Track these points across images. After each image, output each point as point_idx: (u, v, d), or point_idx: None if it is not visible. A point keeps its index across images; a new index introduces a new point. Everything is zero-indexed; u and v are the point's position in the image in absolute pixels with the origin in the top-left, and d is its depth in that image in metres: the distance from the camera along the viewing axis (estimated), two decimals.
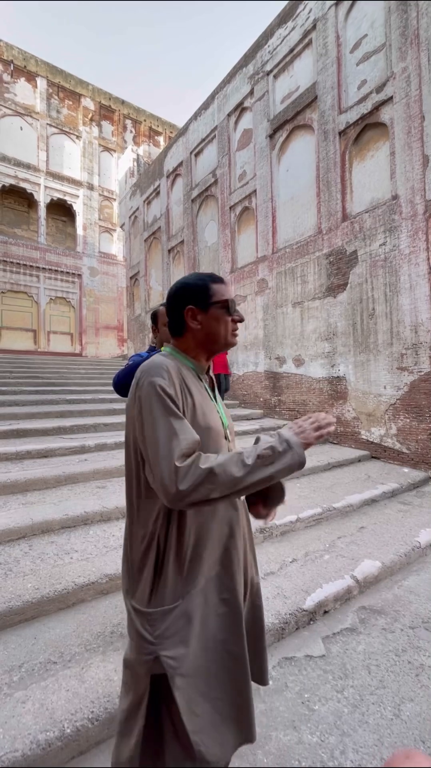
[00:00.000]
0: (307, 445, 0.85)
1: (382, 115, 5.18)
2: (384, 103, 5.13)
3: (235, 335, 1.03)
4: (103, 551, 2.39)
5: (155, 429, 0.83)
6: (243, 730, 0.95)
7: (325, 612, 2.16)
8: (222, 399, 6.30)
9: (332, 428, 0.89)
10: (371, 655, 1.85)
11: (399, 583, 2.49)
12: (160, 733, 0.88)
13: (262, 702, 1.57)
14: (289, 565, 2.51)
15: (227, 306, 1.00)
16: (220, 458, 0.82)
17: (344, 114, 5.68)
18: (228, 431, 1.05)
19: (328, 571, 2.43)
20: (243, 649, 0.94)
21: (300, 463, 0.83)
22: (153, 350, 2.00)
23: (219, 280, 1.02)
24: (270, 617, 1.96)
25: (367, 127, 5.42)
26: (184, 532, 0.90)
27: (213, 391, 1.07)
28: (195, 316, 0.99)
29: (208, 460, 0.81)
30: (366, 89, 5.41)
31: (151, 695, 0.87)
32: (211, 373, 1.10)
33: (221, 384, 6.33)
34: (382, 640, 1.96)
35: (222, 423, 1.03)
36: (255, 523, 2.85)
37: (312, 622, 2.08)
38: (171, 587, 0.88)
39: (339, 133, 5.75)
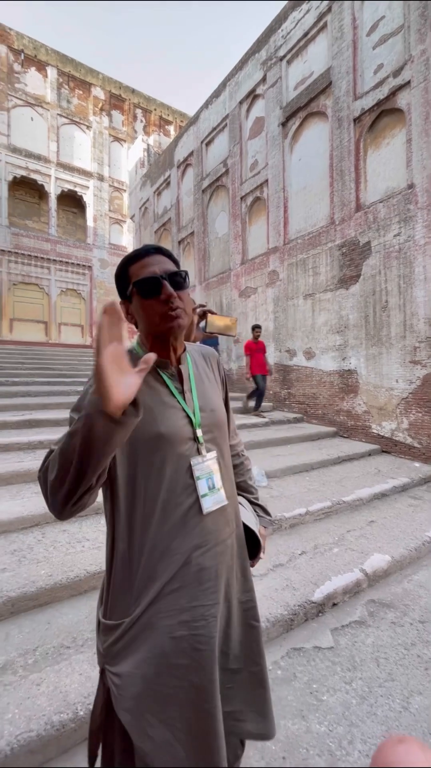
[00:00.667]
0: (98, 384, 0.60)
1: (399, 101, 5.03)
2: (401, 87, 4.98)
3: (171, 316, 0.83)
4: None
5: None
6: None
7: (334, 604, 2.16)
8: (260, 404, 6.23)
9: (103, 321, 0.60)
10: (380, 648, 1.86)
11: (409, 578, 2.48)
12: (112, 744, 0.82)
13: (271, 691, 1.58)
14: (298, 558, 2.51)
15: (140, 288, 0.83)
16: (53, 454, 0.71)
17: (359, 100, 5.53)
18: (200, 430, 0.88)
19: (337, 564, 2.43)
20: (206, 679, 0.79)
21: (97, 413, 0.61)
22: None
23: (139, 256, 0.85)
24: (278, 608, 1.97)
25: (383, 114, 5.28)
26: (133, 544, 0.81)
27: (182, 383, 0.91)
28: (127, 311, 0.88)
29: (44, 464, 0.73)
30: (383, 74, 5.25)
31: (107, 701, 0.81)
32: (184, 364, 0.94)
33: (259, 386, 6.24)
34: (391, 633, 1.96)
35: (192, 422, 0.87)
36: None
37: (320, 614, 2.09)
38: (120, 601, 0.81)
39: (354, 120, 5.61)
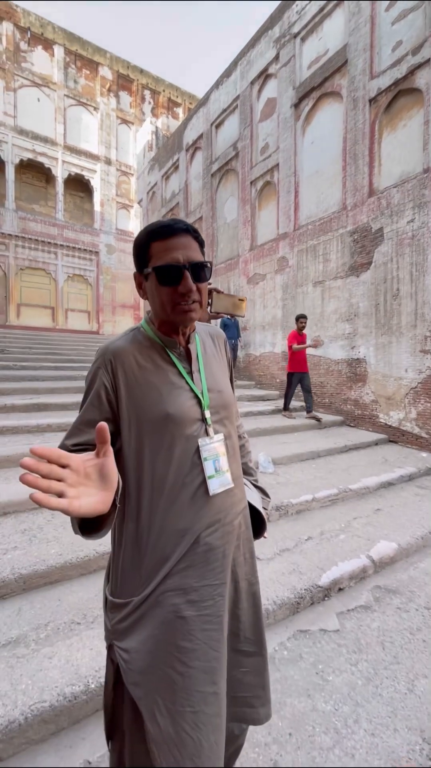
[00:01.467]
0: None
1: (417, 80, 4.85)
2: (420, 66, 4.80)
3: (184, 310, 0.81)
4: None
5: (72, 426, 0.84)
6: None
7: (340, 589, 2.18)
8: (310, 407, 5.72)
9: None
10: (385, 632, 1.87)
11: (415, 565, 2.49)
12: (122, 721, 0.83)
13: (277, 670, 1.61)
14: (305, 543, 2.53)
15: (160, 275, 0.79)
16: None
17: (376, 79, 5.34)
18: (208, 412, 0.87)
19: (344, 550, 2.44)
20: (214, 659, 0.80)
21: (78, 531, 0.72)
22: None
23: (164, 233, 0.79)
24: (285, 591, 1.99)
25: (400, 94, 5.10)
26: (141, 525, 0.81)
27: (190, 364, 0.90)
28: (140, 284, 0.86)
29: None
30: (401, 51, 5.06)
31: (116, 677, 0.83)
32: (192, 344, 0.92)
33: (305, 383, 5.70)
34: (397, 618, 1.98)
35: (200, 403, 0.86)
36: (272, 502, 2.89)
37: (326, 599, 2.11)
38: (128, 580, 0.82)
39: (370, 101, 5.43)
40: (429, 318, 4.68)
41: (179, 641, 0.78)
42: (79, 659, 1.47)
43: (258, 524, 1.06)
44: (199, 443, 0.84)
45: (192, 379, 0.88)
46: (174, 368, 0.87)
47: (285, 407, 5.82)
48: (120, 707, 0.83)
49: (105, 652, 1.50)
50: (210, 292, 2.36)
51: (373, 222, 5.38)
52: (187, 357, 0.91)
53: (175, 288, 0.79)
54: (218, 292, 2.60)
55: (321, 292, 6.27)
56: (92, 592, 1.90)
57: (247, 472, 1.16)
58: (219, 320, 7.24)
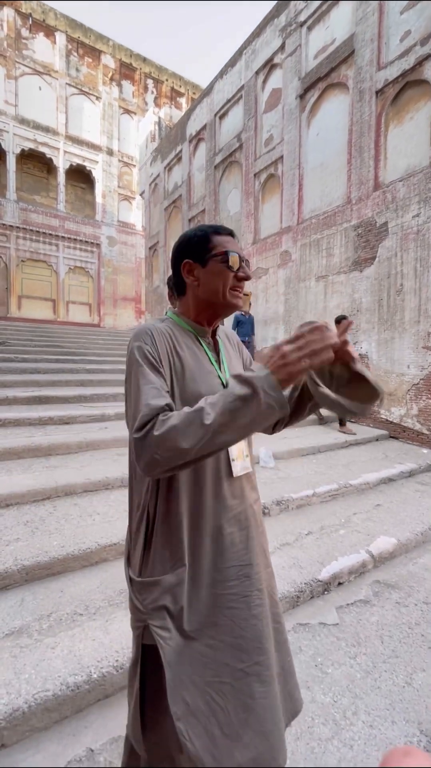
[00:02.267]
0: (287, 380, 0.66)
1: (425, 71, 4.78)
2: (428, 57, 4.72)
3: (237, 294, 0.90)
4: (124, 515, 2.47)
5: (130, 397, 0.80)
6: (256, 750, 0.78)
7: (340, 583, 2.20)
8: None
9: (329, 355, 0.68)
10: (384, 626, 1.89)
11: (414, 561, 2.51)
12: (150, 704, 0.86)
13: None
14: (305, 538, 2.54)
15: (227, 259, 0.88)
16: (179, 418, 0.69)
17: (383, 70, 5.26)
18: None
19: (343, 545, 2.46)
20: (240, 637, 0.83)
21: (270, 407, 0.66)
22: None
23: (224, 231, 0.92)
24: (285, 585, 2.01)
25: (408, 86, 5.02)
26: (171, 504, 0.84)
27: (218, 354, 0.97)
28: (191, 271, 0.91)
29: (163, 425, 0.69)
30: (410, 41, 4.97)
31: (144, 666, 0.85)
32: (218, 336, 1.00)
33: None
34: (396, 613, 2.00)
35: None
36: (273, 496, 2.91)
37: (326, 593, 2.12)
38: (159, 559, 0.84)
39: (377, 93, 5.35)
40: None
41: (209, 618, 0.83)
42: (81, 650, 1.49)
43: None
44: None
45: (219, 368, 0.94)
46: (205, 355, 0.93)
47: (342, 422, 5.47)
48: (144, 693, 0.86)
49: (107, 643, 1.53)
50: None
51: (378, 216, 5.33)
52: (215, 348, 0.98)
53: (236, 274, 0.89)
54: None
55: (324, 287, 6.24)
56: (94, 583, 1.92)
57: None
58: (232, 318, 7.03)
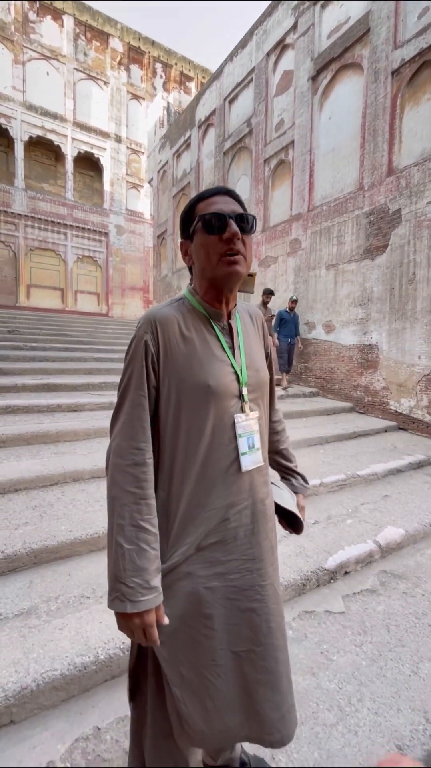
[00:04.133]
0: (126, 626, 0.75)
1: None
2: None
3: (230, 260, 0.79)
4: None
5: (121, 393, 0.83)
6: (249, 728, 0.83)
7: (346, 573, 2.19)
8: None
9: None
10: (391, 615, 1.88)
11: (422, 552, 2.49)
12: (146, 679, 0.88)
13: None
14: (312, 527, 2.53)
15: (202, 223, 0.79)
16: (122, 502, 0.77)
17: (399, 49, 5.07)
18: (245, 389, 0.87)
19: (351, 535, 2.45)
20: (235, 624, 0.84)
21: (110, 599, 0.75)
22: None
23: (209, 193, 0.83)
24: (291, 573, 2.01)
25: (425, 65, 4.84)
26: (172, 493, 0.83)
27: (232, 339, 0.90)
28: (187, 249, 0.86)
29: (114, 473, 0.79)
30: (428, 18, 4.77)
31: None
32: (232, 320, 0.92)
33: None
34: (402, 603, 1.98)
35: (239, 379, 0.86)
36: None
37: (332, 581, 2.12)
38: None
39: (392, 73, 5.17)
40: None
41: (205, 609, 0.81)
42: (88, 631, 1.51)
43: (291, 522, 1.09)
44: (236, 419, 0.85)
45: (233, 355, 0.88)
46: (217, 341, 0.87)
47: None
48: (144, 671, 0.87)
49: (114, 626, 1.54)
50: None
51: (391, 203, 5.20)
52: (230, 332, 0.90)
53: (220, 236, 0.79)
54: None
55: (335, 276, 6.13)
56: (101, 568, 1.94)
57: (288, 458, 1.14)
58: (275, 315, 6.37)
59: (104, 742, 1.22)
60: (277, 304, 7.35)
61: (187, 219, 0.85)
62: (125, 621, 0.74)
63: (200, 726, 0.80)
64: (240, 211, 0.83)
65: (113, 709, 1.32)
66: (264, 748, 0.93)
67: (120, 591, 0.73)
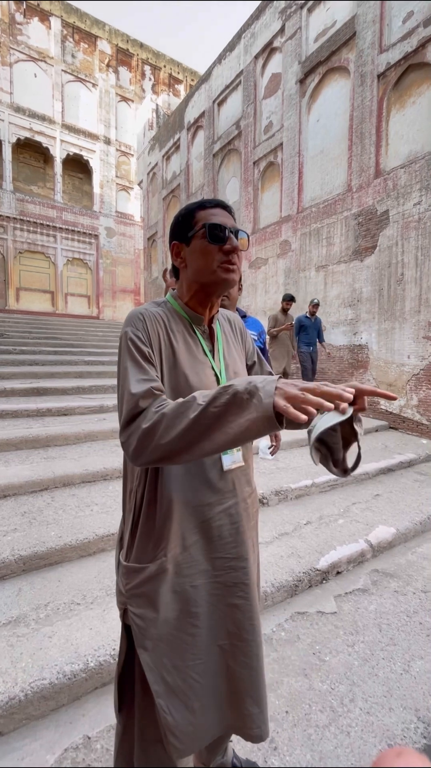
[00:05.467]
0: (285, 404, 0.60)
1: (428, 54, 4.67)
2: None
3: (228, 268, 0.84)
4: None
5: (120, 384, 0.79)
6: (233, 720, 0.86)
7: (338, 573, 2.20)
8: None
9: (345, 407, 0.63)
10: (382, 614, 1.89)
11: (412, 550, 2.51)
12: (133, 682, 0.87)
13: (274, 651, 1.63)
14: (303, 527, 2.54)
15: (206, 233, 0.83)
16: (169, 410, 0.69)
17: (385, 53, 5.14)
18: None
19: (342, 535, 2.46)
20: (219, 618, 0.85)
21: (265, 419, 0.62)
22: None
23: (209, 204, 0.87)
24: (284, 574, 2.01)
25: (410, 69, 4.91)
26: (157, 493, 0.82)
27: (212, 344, 0.93)
28: (179, 252, 0.89)
29: (152, 417, 0.69)
30: (412, 23, 4.85)
31: (129, 643, 0.86)
32: (214, 324, 0.94)
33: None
34: (394, 601, 1.99)
35: (218, 381, 0.88)
36: (271, 486, 2.90)
37: (324, 582, 2.12)
38: (142, 548, 0.84)
39: (378, 76, 5.24)
40: None
41: (191, 608, 0.82)
42: (78, 639, 1.49)
43: None
44: None
45: (213, 358, 0.91)
46: (198, 344, 0.89)
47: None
48: (131, 680, 0.87)
49: (104, 631, 1.52)
50: None
51: (379, 204, 5.25)
52: (209, 337, 0.93)
53: (222, 247, 0.83)
54: None
55: (324, 277, 6.18)
56: (92, 573, 1.92)
57: None
58: (294, 320, 5.76)
59: (94, 751, 1.20)
60: (268, 305, 7.37)
61: (185, 223, 0.87)
62: (283, 400, 0.61)
63: (188, 730, 0.80)
64: (238, 227, 0.88)
65: (104, 716, 1.30)
66: (253, 744, 0.96)
67: (254, 401, 0.63)
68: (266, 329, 5.41)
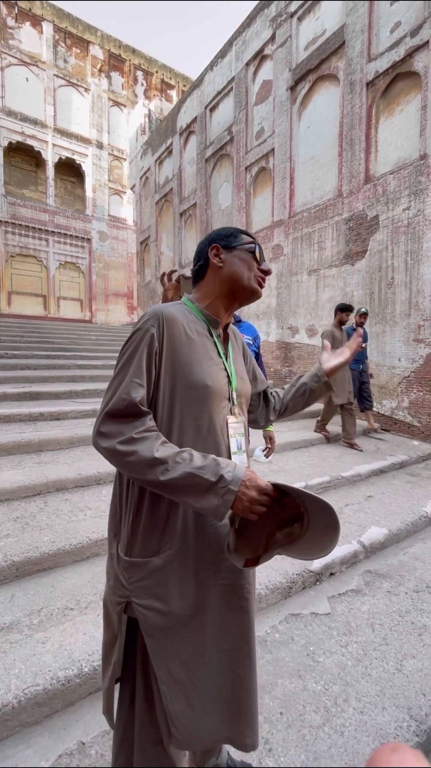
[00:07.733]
0: (241, 505, 0.75)
1: (415, 63, 4.77)
2: (418, 48, 4.71)
3: (261, 284, 0.97)
4: None
5: (119, 368, 0.84)
6: (230, 727, 0.86)
7: (331, 574, 2.21)
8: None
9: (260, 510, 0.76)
10: (375, 614, 1.91)
11: (404, 550, 2.53)
12: (134, 673, 0.88)
13: (269, 652, 1.63)
14: None
15: (254, 251, 0.95)
16: (144, 452, 0.75)
17: (373, 62, 5.24)
18: (235, 393, 0.94)
19: None
20: (225, 623, 0.86)
21: (217, 512, 0.75)
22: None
23: (253, 237, 1.00)
24: (277, 576, 2.02)
25: (398, 77, 5.02)
26: None
27: (226, 347, 0.98)
28: (219, 253, 0.94)
29: (130, 445, 0.76)
30: (400, 33, 4.96)
31: (129, 635, 0.86)
32: (229, 330, 1.01)
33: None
34: (386, 601, 2.01)
35: (230, 383, 0.93)
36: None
37: (318, 583, 2.14)
38: (147, 541, 0.84)
39: (367, 84, 5.33)
40: (423, 307, 4.69)
41: (198, 606, 0.84)
42: (72, 644, 1.48)
43: None
44: (228, 420, 0.91)
45: (226, 360, 0.95)
46: (213, 346, 0.93)
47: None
48: (132, 677, 0.88)
49: (98, 636, 1.52)
50: (178, 280, 2.35)
51: (369, 209, 5.33)
52: (223, 341, 0.98)
53: (260, 266, 0.97)
54: (186, 278, 2.49)
55: (316, 281, 6.24)
56: (86, 578, 1.91)
57: (288, 387, 1.18)
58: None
59: (89, 757, 1.19)
60: (260, 309, 7.41)
61: (232, 236, 0.97)
62: (240, 503, 0.75)
63: (187, 725, 0.81)
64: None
65: (98, 722, 1.29)
66: (245, 753, 0.95)
67: (216, 492, 0.75)
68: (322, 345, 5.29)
